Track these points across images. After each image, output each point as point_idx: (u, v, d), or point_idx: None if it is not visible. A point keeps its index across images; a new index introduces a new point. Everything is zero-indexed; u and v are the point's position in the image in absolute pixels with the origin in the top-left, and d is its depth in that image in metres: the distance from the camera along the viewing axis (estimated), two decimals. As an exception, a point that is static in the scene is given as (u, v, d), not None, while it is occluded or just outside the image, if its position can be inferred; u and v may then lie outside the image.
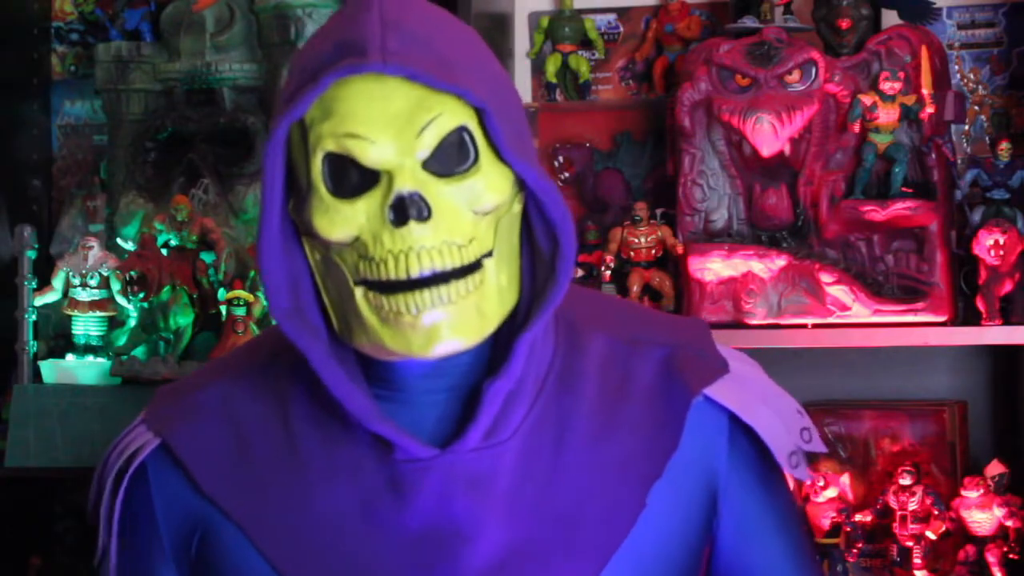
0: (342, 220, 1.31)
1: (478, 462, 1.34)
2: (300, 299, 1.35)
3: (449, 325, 1.30)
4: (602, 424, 1.39)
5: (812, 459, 1.52)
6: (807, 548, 1.51)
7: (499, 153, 1.33)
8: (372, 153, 1.29)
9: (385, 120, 1.29)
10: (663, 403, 1.41)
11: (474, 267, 1.32)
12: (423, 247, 1.29)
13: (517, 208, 1.36)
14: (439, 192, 1.30)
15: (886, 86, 2.45)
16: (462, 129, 1.32)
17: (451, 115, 1.31)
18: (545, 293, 1.35)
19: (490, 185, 1.32)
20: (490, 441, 1.35)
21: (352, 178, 1.31)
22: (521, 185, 1.36)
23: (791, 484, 1.54)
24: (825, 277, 2.48)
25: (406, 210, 1.28)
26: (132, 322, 2.76)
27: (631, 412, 1.40)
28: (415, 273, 1.29)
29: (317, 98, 1.31)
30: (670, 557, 1.40)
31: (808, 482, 1.51)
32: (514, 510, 1.34)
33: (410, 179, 1.29)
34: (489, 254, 1.33)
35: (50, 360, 2.71)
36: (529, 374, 1.38)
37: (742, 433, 1.45)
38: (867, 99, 2.46)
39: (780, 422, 1.45)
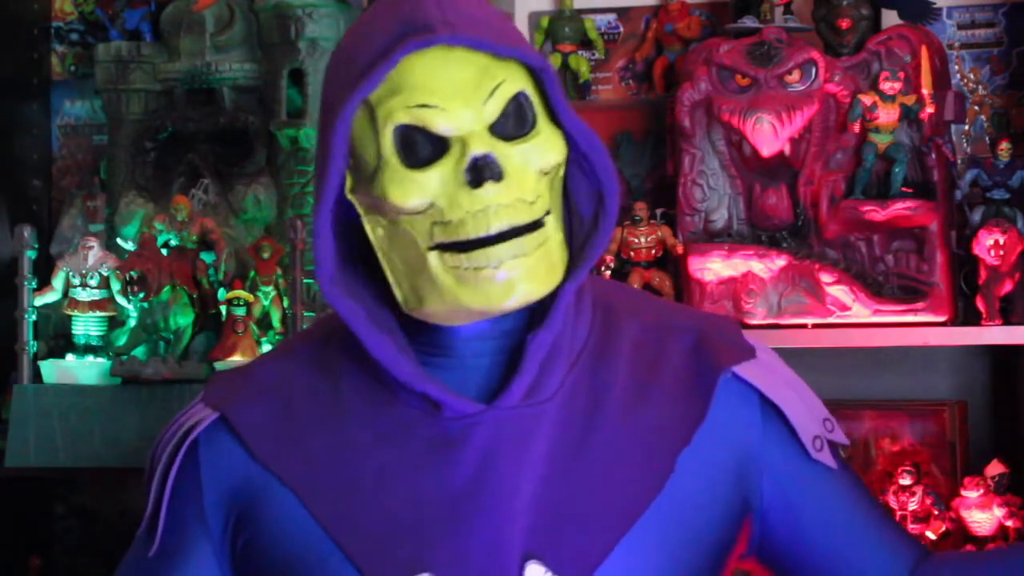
0: (416, 188, 1.39)
1: (520, 420, 1.42)
2: (345, 275, 1.44)
3: (524, 276, 1.39)
4: (634, 396, 1.47)
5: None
6: (863, 487, 1.58)
7: (553, 114, 1.43)
8: (444, 121, 1.38)
9: (454, 89, 1.39)
10: (693, 378, 1.49)
11: (539, 224, 1.41)
12: (499, 205, 1.38)
13: (563, 171, 1.46)
14: (507, 154, 1.39)
15: (886, 86, 2.45)
16: (521, 95, 1.42)
17: (512, 81, 1.41)
18: (585, 249, 1.44)
19: (549, 145, 1.42)
20: (531, 400, 1.43)
21: (422, 149, 1.39)
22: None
23: None
24: (825, 277, 2.48)
25: (481, 172, 1.37)
26: (132, 322, 2.76)
27: (662, 386, 1.48)
28: (494, 229, 1.38)
29: (386, 77, 1.39)
30: (697, 523, 1.46)
31: (833, 467, 1.55)
32: (550, 470, 1.41)
33: (482, 143, 1.38)
34: (549, 212, 1.42)
35: (50, 360, 2.71)
36: (565, 337, 1.46)
37: (774, 413, 1.52)
38: (867, 99, 2.46)
39: (804, 407, 1.53)
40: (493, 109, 1.39)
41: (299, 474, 1.45)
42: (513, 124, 1.41)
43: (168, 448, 1.50)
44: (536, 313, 1.45)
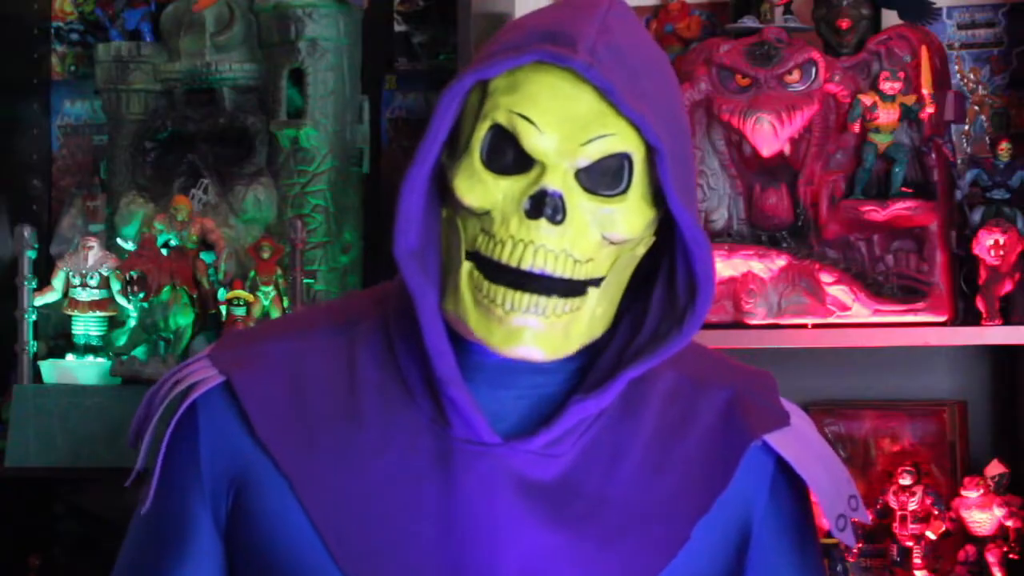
0: (482, 189, 1.33)
1: (531, 464, 1.36)
2: (427, 253, 1.37)
3: (535, 335, 1.33)
4: (657, 455, 1.41)
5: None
6: None
7: (655, 192, 1.35)
8: (536, 141, 1.32)
9: (561, 117, 1.32)
10: (721, 442, 1.43)
11: (579, 290, 1.34)
12: (543, 246, 1.31)
13: (640, 251, 1.39)
14: (579, 204, 1.33)
15: (886, 86, 2.45)
16: (625, 156, 1.34)
17: (621, 139, 1.33)
18: (664, 340, 1.37)
19: (628, 219, 1.35)
20: (548, 450, 1.37)
21: (508, 156, 1.33)
22: (656, 230, 1.38)
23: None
24: (825, 277, 2.48)
25: (543, 206, 1.31)
26: (132, 322, 2.76)
27: (687, 447, 1.42)
28: (526, 266, 1.31)
29: (510, 69, 1.33)
30: None
31: (853, 547, 1.50)
32: (557, 520, 1.35)
33: (559, 179, 1.32)
34: (597, 282, 1.35)
35: (50, 360, 2.71)
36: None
37: (785, 485, 1.46)
38: (867, 99, 2.46)
39: (832, 484, 1.46)
40: (589, 155, 1.32)
41: (297, 461, 1.38)
42: (605, 181, 1.33)
43: (166, 402, 1.44)
44: (585, 366, 1.39)
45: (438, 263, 1.38)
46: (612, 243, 1.35)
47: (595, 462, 1.38)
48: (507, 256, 1.32)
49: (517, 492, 1.35)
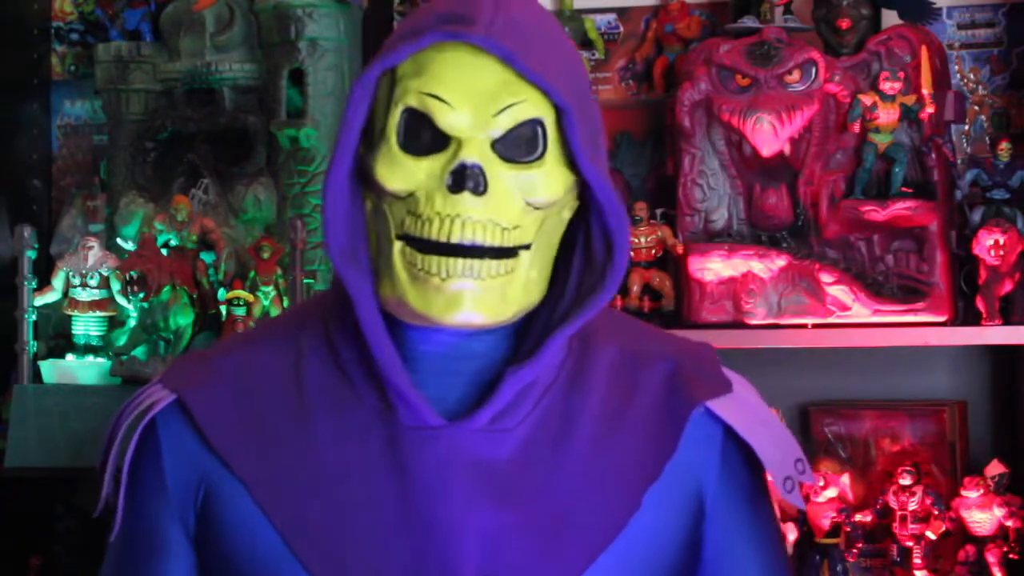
0: (403, 173, 1.36)
1: (481, 443, 1.38)
2: (357, 247, 1.40)
3: (473, 298, 1.35)
4: (605, 427, 1.43)
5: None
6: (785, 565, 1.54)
7: (570, 155, 1.38)
8: (449, 118, 1.35)
9: (470, 91, 1.35)
10: (665, 411, 1.45)
11: (510, 253, 1.37)
12: (470, 218, 1.34)
13: (566, 215, 1.41)
14: (499, 173, 1.35)
15: (886, 86, 2.45)
16: (537, 122, 1.37)
17: (532, 105, 1.36)
18: (589, 298, 1.40)
19: (548, 183, 1.37)
20: (496, 426, 1.39)
21: (424, 137, 1.36)
22: (577, 193, 1.41)
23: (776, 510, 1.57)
24: (825, 277, 2.48)
25: (464, 179, 1.34)
26: (132, 322, 2.76)
27: (634, 418, 1.44)
28: (455, 239, 1.34)
29: (414, 54, 1.36)
30: (659, 560, 1.43)
31: (802, 508, 1.52)
32: (510, 496, 1.38)
33: (477, 152, 1.34)
34: (527, 247, 1.38)
35: (50, 360, 2.71)
36: (544, 370, 1.42)
37: (735, 451, 1.48)
38: (867, 99, 2.46)
39: (778, 448, 1.48)
40: (501, 124, 1.35)
41: (251, 466, 1.42)
42: (521, 148, 1.36)
43: (124, 426, 1.47)
44: (517, 339, 1.42)
45: (368, 256, 1.41)
46: (536, 208, 1.37)
47: (545, 437, 1.41)
48: (436, 232, 1.34)
49: (470, 473, 1.37)
